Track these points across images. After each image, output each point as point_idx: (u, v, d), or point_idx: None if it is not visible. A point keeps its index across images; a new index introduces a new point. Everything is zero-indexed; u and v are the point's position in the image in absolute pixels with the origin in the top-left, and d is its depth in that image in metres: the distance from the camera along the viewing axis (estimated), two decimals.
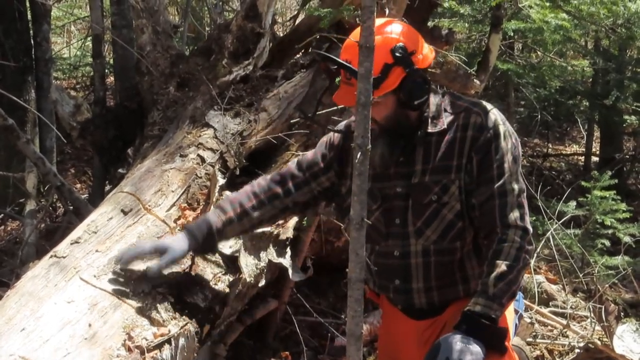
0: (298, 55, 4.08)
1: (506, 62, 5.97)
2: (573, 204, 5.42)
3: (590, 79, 7.92)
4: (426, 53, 2.31)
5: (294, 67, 3.83)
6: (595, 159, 8.82)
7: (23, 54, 5.92)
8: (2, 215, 5.63)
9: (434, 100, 2.37)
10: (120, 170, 3.68)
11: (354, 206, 1.85)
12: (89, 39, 7.94)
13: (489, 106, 2.37)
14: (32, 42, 6.06)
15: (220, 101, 3.39)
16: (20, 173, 4.49)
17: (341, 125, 2.63)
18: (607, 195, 5.26)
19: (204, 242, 2.50)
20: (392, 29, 2.27)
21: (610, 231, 5.29)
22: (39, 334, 2.17)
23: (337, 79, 2.41)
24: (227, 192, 3.09)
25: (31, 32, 6.09)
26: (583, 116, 8.40)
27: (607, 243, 5.27)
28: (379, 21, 2.28)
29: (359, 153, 1.80)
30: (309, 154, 2.65)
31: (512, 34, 5.50)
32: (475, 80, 4.24)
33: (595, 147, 9.14)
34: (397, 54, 2.21)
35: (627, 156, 8.72)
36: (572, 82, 7.52)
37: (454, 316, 2.43)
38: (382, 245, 2.45)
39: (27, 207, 4.07)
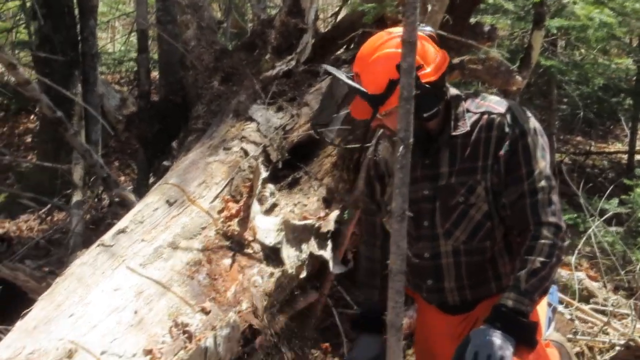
0: (340, 51, 4.10)
1: (549, 58, 5.91)
2: (615, 201, 5.35)
3: (635, 77, 7.79)
4: (438, 62, 2.28)
5: (336, 62, 3.86)
6: (638, 157, 8.69)
7: (70, 49, 6.04)
8: (49, 205, 5.77)
9: (456, 102, 2.38)
10: (165, 163, 3.74)
11: (395, 199, 1.87)
12: (133, 34, 8.10)
13: (512, 104, 2.37)
14: (79, 37, 6.17)
15: (263, 95, 3.43)
16: (67, 165, 4.58)
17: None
18: None
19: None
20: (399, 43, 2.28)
21: None
22: (87, 319, 2.24)
23: None
24: (270, 185, 3.15)
25: (78, 27, 6.20)
26: (627, 114, 8.25)
27: None
28: (386, 34, 2.31)
29: (402, 146, 1.82)
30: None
31: (555, 31, 5.46)
32: (517, 76, 4.22)
33: (639, 145, 9.00)
34: None
35: None
36: (616, 79, 7.41)
37: (486, 311, 2.45)
38: (413, 248, 2.47)
39: (73, 198, 4.16)
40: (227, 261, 2.76)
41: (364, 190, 2.88)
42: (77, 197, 4.15)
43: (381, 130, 2.59)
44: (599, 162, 8.93)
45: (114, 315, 2.28)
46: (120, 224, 2.76)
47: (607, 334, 4.12)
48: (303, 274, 3.07)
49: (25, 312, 2.36)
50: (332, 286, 3.64)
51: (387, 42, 2.27)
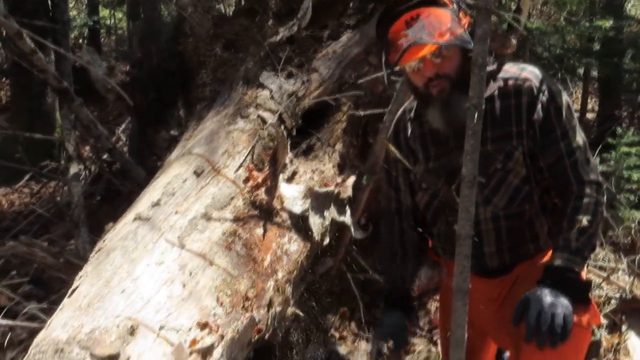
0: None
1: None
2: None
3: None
4: (464, 20, 2.32)
5: (339, 27, 3.83)
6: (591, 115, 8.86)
7: (42, 15, 5.85)
8: (27, 177, 5.66)
9: None
10: (172, 132, 3.67)
11: (466, 164, 1.88)
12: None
13: (536, 69, 2.39)
14: (50, 3, 6.00)
15: (276, 62, 3.39)
16: (60, 136, 4.47)
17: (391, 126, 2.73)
18: (633, 152, 5.31)
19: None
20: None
21: (634, 186, 5.35)
22: (139, 295, 2.19)
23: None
24: (289, 153, 3.13)
25: None
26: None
27: (632, 197, 5.33)
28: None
29: (475, 113, 1.83)
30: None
31: None
32: (512, 40, 4.26)
33: (592, 103, 9.20)
34: (455, 5, 2.26)
35: (625, 113, 8.74)
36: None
37: (526, 272, 2.49)
38: (453, 216, 2.50)
39: (70, 170, 4.06)
40: (259, 230, 2.75)
41: (379, 156, 2.89)
42: (73, 169, 4.05)
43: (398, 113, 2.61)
44: None
45: (164, 289, 2.25)
46: (152, 196, 2.70)
47: (602, 288, 4.24)
48: (326, 241, 3.08)
49: (71, 289, 2.31)
50: (345, 252, 3.65)
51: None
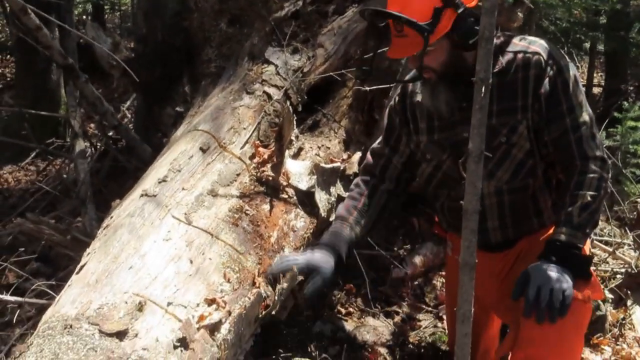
0: None
1: None
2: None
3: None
4: None
5: (345, 2, 3.80)
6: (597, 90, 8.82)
7: None
8: (33, 155, 5.67)
9: None
10: (177, 109, 3.67)
11: (473, 139, 1.87)
12: None
13: (544, 42, 2.38)
14: None
15: (281, 37, 3.37)
16: (66, 113, 4.47)
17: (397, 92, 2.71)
18: (639, 126, 5.30)
19: (346, 255, 2.58)
20: None
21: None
22: (147, 271, 2.20)
23: None
24: (295, 129, 3.12)
25: None
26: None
27: (638, 172, 5.32)
28: None
29: (482, 87, 1.82)
30: (379, 139, 2.77)
31: None
32: (519, 13, 4.22)
33: (598, 78, 9.15)
34: None
35: (631, 87, 8.70)
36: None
37: (529, 246, 2.49)
38: (455, 190, 2.50)
39: (76, 147, 4.06)
40: (265, 207, 2.75)
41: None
42: (79, 146, 4.05)
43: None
44: None
45: (171, 265, 2.25)
46: (159, 172, 2.70)
47: (607, 263, 4.25)
48: (332, 217, 3.07)
49: (79, 265, 2.32)
50: None
51: None
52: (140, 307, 2.05)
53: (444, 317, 3.44)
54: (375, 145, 2.77)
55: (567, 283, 2.13)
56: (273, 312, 2.47)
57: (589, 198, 2.24)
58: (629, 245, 4.46)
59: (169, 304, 2.11)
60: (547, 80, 2.31)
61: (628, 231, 4.61)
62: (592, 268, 4.14)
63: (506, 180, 2.42)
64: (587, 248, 2.49)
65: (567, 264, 2.19)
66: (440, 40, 2.26)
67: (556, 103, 2.31)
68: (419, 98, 2.58)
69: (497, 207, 2.49)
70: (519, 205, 2.48)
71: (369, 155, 2.77)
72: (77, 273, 2.26)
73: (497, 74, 2.33)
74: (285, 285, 2.45)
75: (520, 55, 2.35)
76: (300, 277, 2.46)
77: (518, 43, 2.40)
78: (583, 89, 2.39)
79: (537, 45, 2.36)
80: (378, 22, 2.40)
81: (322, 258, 2.48)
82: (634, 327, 3.62)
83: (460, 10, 2.22)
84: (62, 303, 2.10)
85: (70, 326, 1.93)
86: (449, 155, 2.50)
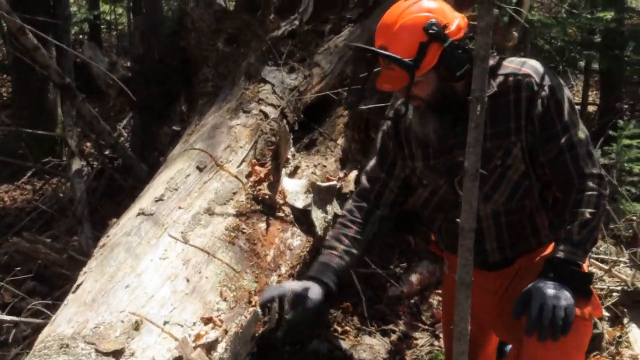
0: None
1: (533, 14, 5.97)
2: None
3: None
4: (459, 22, 2.30)
5: (341, 21, 3.83)
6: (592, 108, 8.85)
7: (43, 11, 5.84)
8: (29, 174, 5.66)
9: None
10: (174, 128, 3.68)
11: (468, 158, 1.87)
12: None
13: (535, 63, 2.38)
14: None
15: (278, 57, 3.39)
16: (62, 132, 4.48)
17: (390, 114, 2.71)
18: (634, 144, 5.31)
19: (335, 286, 2.51)
20: (421, 7, 2.27)
21: (636, 178, 5.35)
22: (143, 290, 2.20)
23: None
24: (291, 147, 3.13)
25: None
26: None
27: (633, 190, 5.33)
28: (402, 1, 2.31)
29: (478, 105, 1.83)
30: (372, 161, 2.73)
31: None
32: (514, 32, 4.26)
33: (593, 96, 9.17)
34: (431, 31, 2.21)
35: (626, 106, 8.72)
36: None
37: (527, 265, 2.50)
38: (454, 213, 2.50)
39: (73, 166, 4.06)
40: (262, 225, 2.76)
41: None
42: (76, 165, 4.05)
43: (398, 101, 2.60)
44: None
45: (167, 284, 2.25)
46: (156, 191, 2.71)
47: (604, 280, 4.25)
48: (328, 235, 3.08)
49: (76, 284, 2.32)
50: None
51: (408, 8, 2.27)
52: (136, 326, 2.05)
53: (441, 335, 3.43)
54: (369, 168, 2.74)
55: (568, 301, 2.13)
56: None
57: (588, 215, 2.24)
58: (625, 263, 4.46)
59: (165, 322, 2.11)
60: (539, 101, 2.31)
61: (624, 249, 4.61)
62: None
63: (503, 203, 2.42)
64: (585, 266, 2.49)
65: (567, 282, 2.17)
66: (426, 74, 2.27)
67: (550, 124, 2.32)
68: (412, 123, 2.59)
69: (495, 229, 2.49)
70: (517, 226, 2.48)
71: (364, 180, 2.73)
72: (74, 292, 2.26)
73: (489, 97, 2.32)
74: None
75: (511, 78, 2.35)
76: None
77: (509, 65, 2.40)
78: (577, 107, 2.40)
79: (528, 66, 2.36)
80: (366, 53, 2.42)
81: (310, 291, 2.43)
82: (630, 345, 3.61)
83: (446, 44, 2.24)
84: (58, 322, 2.10)
85: (67, 345, 1.93)
86: (445, 180, 2.51)
